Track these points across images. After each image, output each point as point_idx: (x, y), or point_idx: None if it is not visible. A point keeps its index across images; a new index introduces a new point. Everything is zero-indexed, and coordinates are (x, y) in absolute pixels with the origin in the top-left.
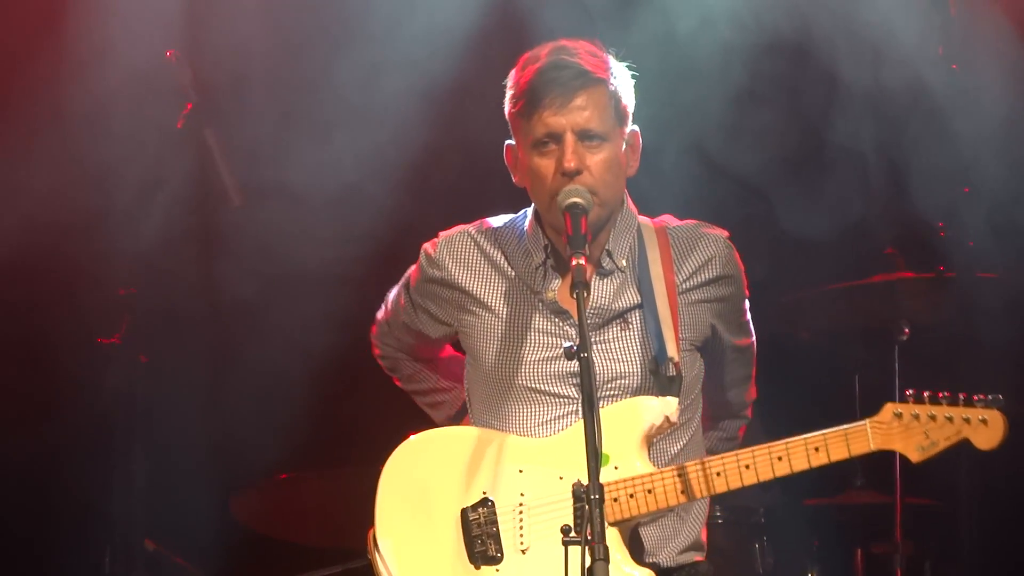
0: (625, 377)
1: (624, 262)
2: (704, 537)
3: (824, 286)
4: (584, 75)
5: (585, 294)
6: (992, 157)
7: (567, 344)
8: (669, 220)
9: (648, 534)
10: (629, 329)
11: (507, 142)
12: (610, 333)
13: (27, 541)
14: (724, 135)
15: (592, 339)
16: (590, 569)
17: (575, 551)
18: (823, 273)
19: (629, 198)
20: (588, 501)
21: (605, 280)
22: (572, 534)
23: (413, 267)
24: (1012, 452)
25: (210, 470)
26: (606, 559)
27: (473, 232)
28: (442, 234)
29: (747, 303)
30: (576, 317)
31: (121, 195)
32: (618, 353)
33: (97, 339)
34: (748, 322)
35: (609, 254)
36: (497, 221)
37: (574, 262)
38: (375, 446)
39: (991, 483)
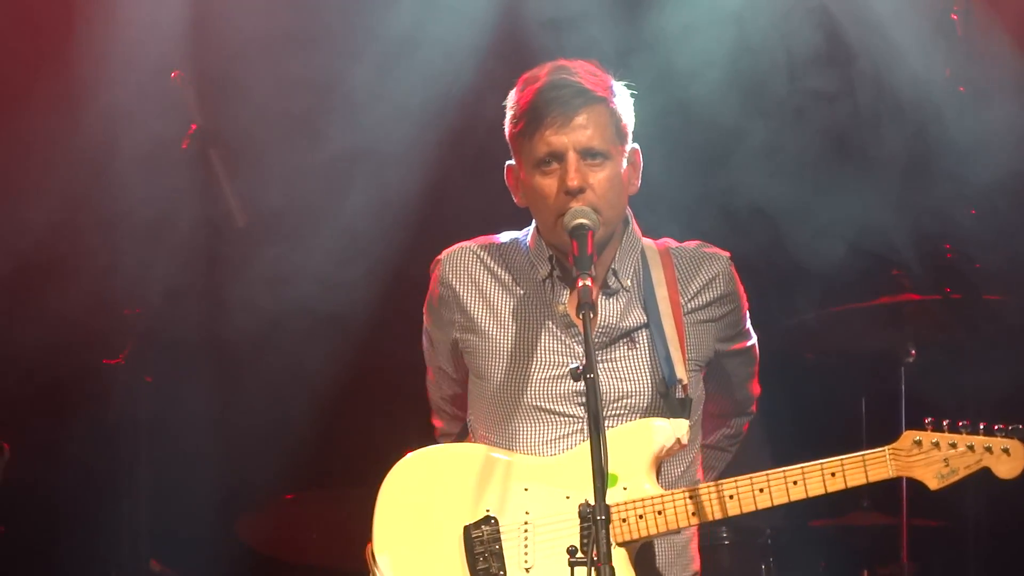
0: (632, 396)
1: (629, 282)
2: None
3: (830, 308)
4: (584, 93)
5: (592, 315)
6: (999, 179)
7: (573, 365)
8: (671, 242)
9: (659, 558)
10: (636, 348)
11: (508, 163)
12: (617, 352)
13: (33, 562)
14: (729, 157)
15: (599, 358)
16: None
17: (581, 572)
18: (829, 295)
19: (634, 219)
20: (594, 522)
21: (611, 299)
22: (579, 555)
23: (426, 306)
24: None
25: (215, 491)
26: None
27: (475, 247)
28: (443, 252)
29: (747, 313)
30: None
31: (126, 216)
32: (625, 372)
33: (102, 359)
34: (749, 329)
35: (615, 273)
36: (501, 237)
37: (580, 283)
38: (380, 467)
39: (996, 505)
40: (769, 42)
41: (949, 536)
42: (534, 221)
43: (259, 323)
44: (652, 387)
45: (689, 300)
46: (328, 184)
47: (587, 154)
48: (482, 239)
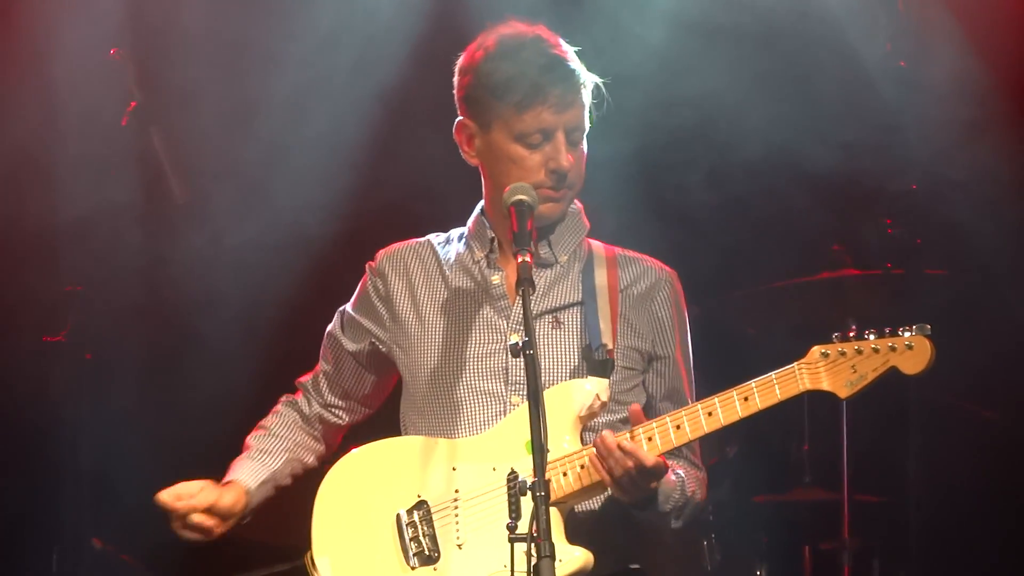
0: (550, 375)
1: (565, 257)
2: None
3: (771, 283)
4: (577, 75)
5: (531, 291)
6: (939, 153)
7: (512, 341)
8: (618, 248)
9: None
10: (561, 328)
11: (459, 119)
12: (540, 330)
13: None
14: (668, 134)
15: (521, 333)
16: (536, 567)
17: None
18: (770, 270)
19: (583, 211)
20: (535, 498)
21: (542, 271)
22: (518, 531)
23: (357, 292)
24: (958, 447)
25: (157, 468)
26: (552, 556)
27: (413, 244)
28: (381, 251)
29: (681, 341)
30: (516, 310)
31: (66, 193)
32: (547, 350)
33: (43, 337)
34: (678, 358)
35: (549, 244)
36: (436, 236)
37: (519, 259)
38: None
39: (937, 479)
40: (707, 12)
41: (890, 511)
42: (476, 209)
43: (199, 299)
44: (573, 368)
45: (625, 300)
46: (266, 160)
47: (572, 133)
48: (420, 238)
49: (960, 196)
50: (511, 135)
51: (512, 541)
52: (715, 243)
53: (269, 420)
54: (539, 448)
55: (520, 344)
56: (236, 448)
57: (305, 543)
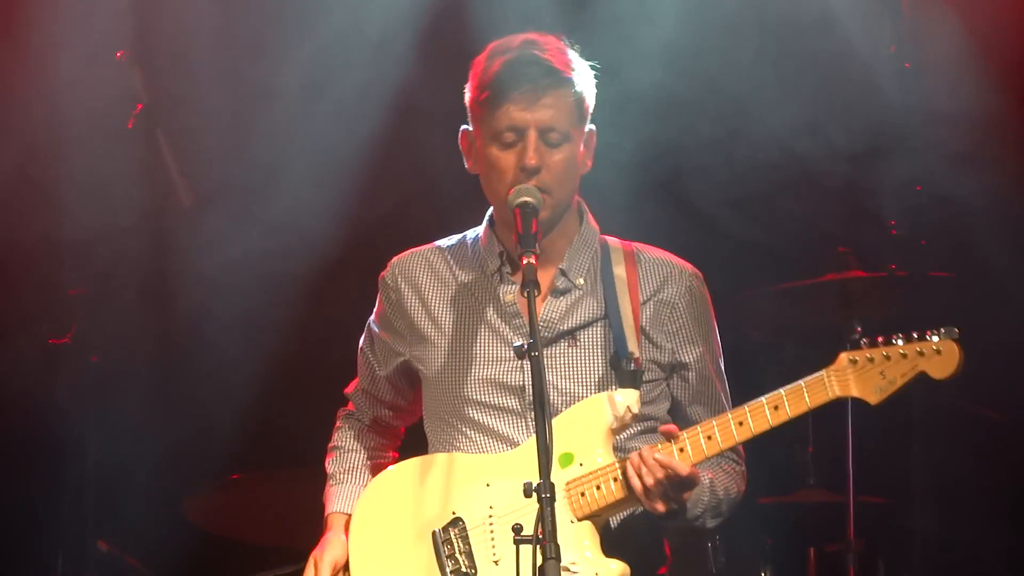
0: (570, 395)
1: (581, 280)
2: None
3: (776, 285)
4: (554, 73)
5: (537, 292)
6: (944, 154)
7: (517, 343)
8: (640, 246)
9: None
10: (577, 346)
11: (463, 127)
12: (557, 349)
13: None
14: (675, 138)
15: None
16: (541, 568)
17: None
18: (775, 272)
19: (590, 214)
20: (540, 500)
21: (559, 299)
22: (524, 533)
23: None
24: (963, 449)
25: (162, 470)
26: (557, 557)
27: (424, 251)
28: (393, 259)
29: (710, 342)
30: (525, 317)
31: (71, 195)
32: (565, 371)
33: (48, 339)
34: (704, 359)
35: (563, 273)
36: (447, 240)
37: (524, 260)
38: (326, 445)
39: (942, 481)
40: (709, 15)
41: (895, 513)
42: (486, 218)
43: (205, 302)
44: (596, 385)
45: (647, 307)
46: (273, 162)
47: (547, 133)
48: (430, 245)
49: (965, 197)
50: (488, 136)
51: (518, 543)
52: (719, 245)
53: (337, 439)
54: (544, 448)
55: (525, 347)
56: (241, 450)
57: (309, 545)
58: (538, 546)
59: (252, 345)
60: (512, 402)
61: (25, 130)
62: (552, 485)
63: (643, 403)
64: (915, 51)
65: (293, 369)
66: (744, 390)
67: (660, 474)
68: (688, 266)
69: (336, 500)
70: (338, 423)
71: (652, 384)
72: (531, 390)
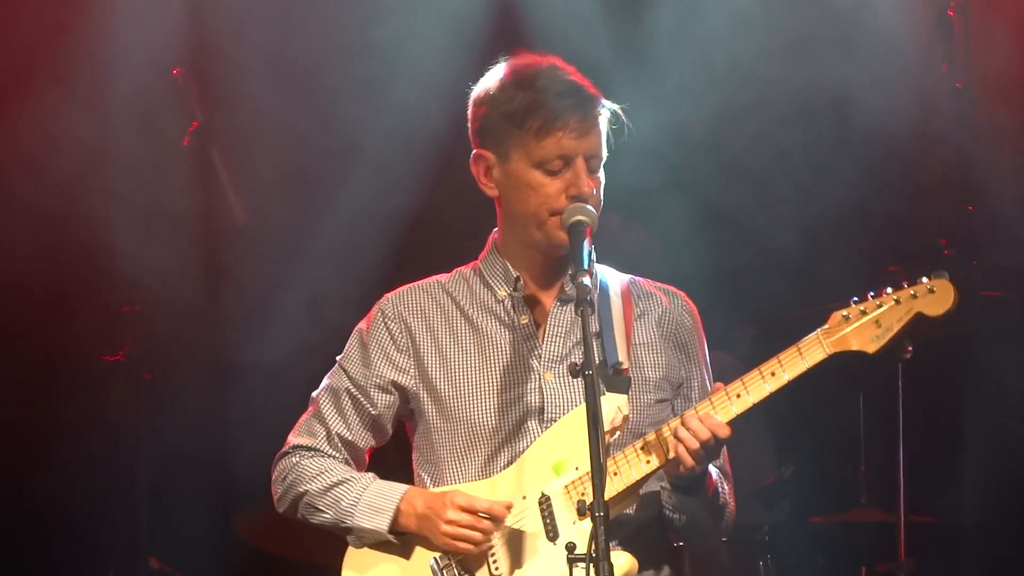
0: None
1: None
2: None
3: (828, 304)
4: (596, 101)
5: (591, 311)
6: (996, 174)
7: (572, 361)
8: (635, 276)
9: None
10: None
11: (476, 151)
12: (558, 372)
13: (32, 559)
14: (723, 149)
15: (552, 371)
16: None
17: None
18: (827, 291)
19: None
20: (593, 519)
21: (566, 307)
22: (576, 551)
23: (357, 338)
24: (1015, 468)
25: (214, 488)
26: None
27: (422, 285)
28: (389, 295)
29: (700, 370)
30: (547, 348)
31: (125, 212)
32: (564, 391)
33: (101, 356)
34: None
35: (572, 279)
36: (440, 277)
37: (578, 280)
38: (377, 462)
39: (995, 500)
40: (764, 29)
41: (947, 532)
42: (490, 247)
43: (257, 319)
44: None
45: (640, 329)
46: (325, 185)
47: (591, 160)
48: (425, 280)
49: (1017, 216)
50: (530, 162)
51: (571, 562)
52: (771, 264)
53: (304, 467)
54: (598, 468)
55: (579, 365)
56: None
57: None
58: (591, 565)
59: (303, 362)
60: (531, 424)
61: (80, 147)
62: (605, 504)
63: (645, 425)
64: (967, 71)
65: None
66: (798, 410)
67: (705, 434)
68: (681, 293)
69: (387, 487)
70: (290, 459)
71: (657, 406)
72: (556, 419)
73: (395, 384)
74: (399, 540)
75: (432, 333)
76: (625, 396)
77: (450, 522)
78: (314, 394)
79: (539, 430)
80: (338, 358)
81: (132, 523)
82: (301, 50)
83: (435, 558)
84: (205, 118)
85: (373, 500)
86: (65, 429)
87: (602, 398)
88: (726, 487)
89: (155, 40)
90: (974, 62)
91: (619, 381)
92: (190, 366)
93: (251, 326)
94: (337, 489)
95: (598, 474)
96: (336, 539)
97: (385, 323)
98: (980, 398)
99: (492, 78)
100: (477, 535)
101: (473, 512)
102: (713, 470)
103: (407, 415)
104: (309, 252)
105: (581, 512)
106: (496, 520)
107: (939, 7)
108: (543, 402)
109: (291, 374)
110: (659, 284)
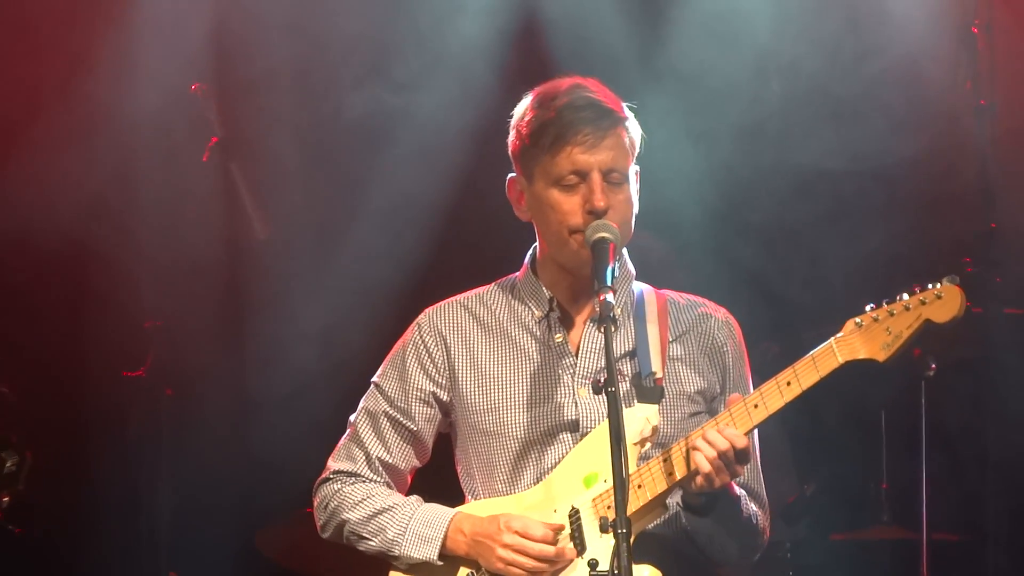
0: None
1: (619, 311)
2: None
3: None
4: (611, 114)
5: (614, 328)
6: (1019, 191)
7: (596, 376)
8: (669, 292)
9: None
10: (624, 382)
11: (510, 176)
12: (588, 390)
13: (54, 572)
14: (747, 167)
15: (588, 387)
16: None
17: None
18: (850, 308)
19: (626, 254)
20: (616, 535)
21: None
22: (599, 568)
23: (395, 354)
24: None
25: (235, 503)
26: None
27: (460, 299)
28: (428, 309)
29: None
30: (581, 365)
31: (147, 228)
32: (595, 406)
33: (122, 372)
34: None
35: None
36: (479, 290)
37: (601, 297)
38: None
39: (1017, 518)
40: (789, 49)
41: (969, 551)
42: (527, 264)
43: (279, 333)
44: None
45: (677, 344)
46: (348, 196)
47: (609, 174)
48: (464, 294)
49: None
50: (549, 181)
51: None
52: (794, 281)
53: (346, 494)
54: (621, 484)
55: (603, 382)
56: (314, 484)
57: None
58: None
59: (326, 378)
60: (564, 438)
61: (102, 163)
62: (628, 521)
63: (679, 433)
64: (991, 87)
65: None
66: (821, 428)
67: (723, 444)
68: (722, 309)
69: (431, 514)
70: (332, 486)
71: (688, 419)
72: (581, 423)
73: (434, 396)
74: (426, 569)
75: (468, 347)
76: (655, 407)
77: (506, 546)
78: (352, 417)
79: (573, 445)
80: (374, 378)
81: (154, 538)
82: (320, 64)
83: (470, 572)
84: (225, 133)
85: (419, 529)
86: (87, 444)
87: (631, 409)
88: (756, 510)
89: (176, 56)
90: (998, 79)
91: (651, 392)
92: (211, 381)
93: (273, 343)
94: (381, 517)
95: (620, 490)
96: (357, 555)
97: (422, 337)
98: (1003, 416)
99: (521, 104)
100: (531, 563)
101: (530, 537)
102: (740, 491)
103: (447, 428)
104: (331, 269)
105: (604, 529)
106: (549, 545)
107: (963, 24)
108: (577, 417)
109: (313, 389)
110: (699, 299)
